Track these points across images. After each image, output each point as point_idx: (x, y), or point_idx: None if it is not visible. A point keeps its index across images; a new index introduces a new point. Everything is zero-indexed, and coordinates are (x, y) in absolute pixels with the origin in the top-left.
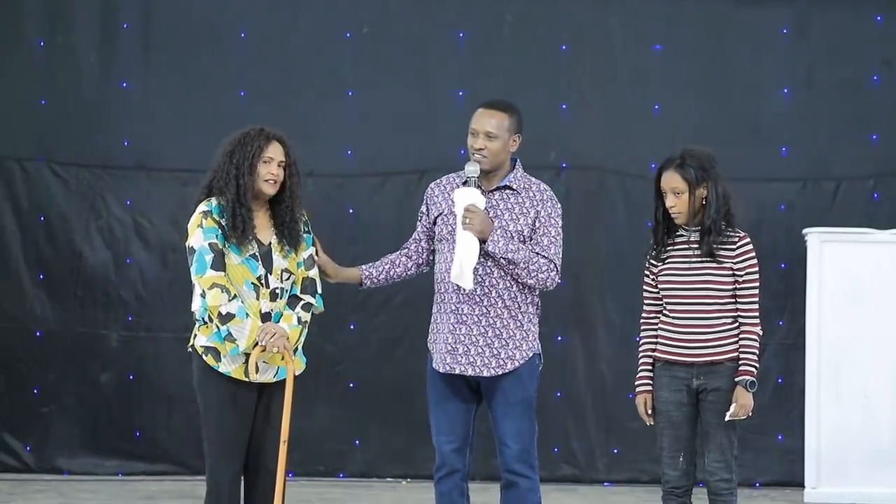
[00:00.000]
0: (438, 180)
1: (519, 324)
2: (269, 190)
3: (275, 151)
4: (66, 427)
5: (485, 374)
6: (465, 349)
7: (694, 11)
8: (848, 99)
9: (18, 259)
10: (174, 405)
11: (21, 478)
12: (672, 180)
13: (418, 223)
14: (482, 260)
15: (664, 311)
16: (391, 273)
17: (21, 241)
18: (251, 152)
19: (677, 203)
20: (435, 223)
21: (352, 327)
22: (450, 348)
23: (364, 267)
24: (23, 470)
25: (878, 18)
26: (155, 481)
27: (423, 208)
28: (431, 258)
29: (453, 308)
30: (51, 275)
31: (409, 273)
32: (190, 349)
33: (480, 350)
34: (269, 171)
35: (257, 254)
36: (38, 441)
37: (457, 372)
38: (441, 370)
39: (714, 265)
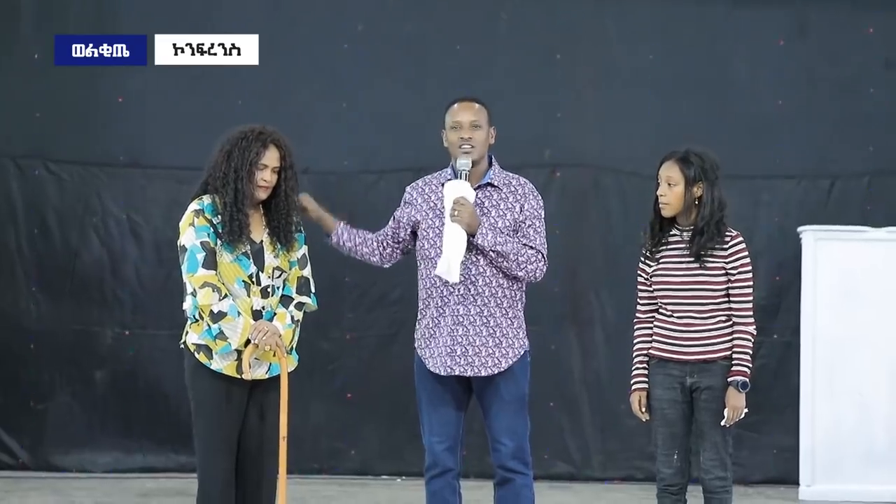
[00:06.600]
0: (415, 183)
1: (510, 322)
2: (261, 195)
3: (271, 158)
4: (61, 424)
5: (482, 373)
6: (464, 350)
7: (690, 9)
8: (843, 97)
9: (13, 257)
10: (169, 402)
11: (16, 475)
12: (669, 170)
13: (391, 220)
14: (474, 259)
15: (659, 310)
16: (358, 248)
17: (16, 239)
18: (249, 158)
19: (668, 194)
20: (417, 228)
21: (347, 325)
22: (448, 350)
23: (341, 225)
24: (18, 467)
25: (876, 18)
26: (150, 478)
27: (400, 209)
28: (392, 257)
29: (451, 310)
30: (46, 272)
31: (371, 258)
32: (182, 346)
33: (477, 350)
34: (263, 177)
35: (249, 252)
36: (33, 439)
37: (456, 373)
38: (442, 373)
39: (707, 265)
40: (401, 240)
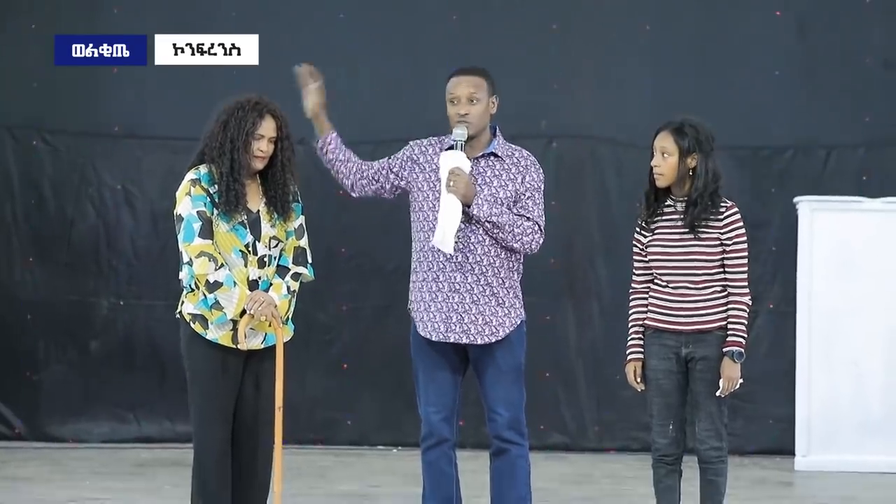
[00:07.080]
0: (420, 141)
1: (507, 291)
2: (258, 165)
3: (267, 128)
4: (57, 395)
5: (478, 341)
6: (459, 317)
7: None
8: (839, 67)
9: (9, 228)
10: (165, 373)
11: (12, 445)
12: (664, 141)
13: (386, 159)
14: (473, 228)
15: (654, 280)
16: (339, 165)
17: (12, 210)
18: (245, 128)
19: (662, 165)
20: (408, 189)
21: (343, 295)
22: (444, 317)
23: (334, 135)
24: (14, 438)
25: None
26: (146, 449)
27: (399, 159)
28: (365, 191)
29: (447, 277)
30: (41, 243)
31: (345, 180)
32: (178, 316)
33: (473, 318)
34: (259, 147)
35: (245, 221)
36: (30, 409)
37: (451, 341)
38: (434, 339)
39: (701, 235)
40: (381, 180)
